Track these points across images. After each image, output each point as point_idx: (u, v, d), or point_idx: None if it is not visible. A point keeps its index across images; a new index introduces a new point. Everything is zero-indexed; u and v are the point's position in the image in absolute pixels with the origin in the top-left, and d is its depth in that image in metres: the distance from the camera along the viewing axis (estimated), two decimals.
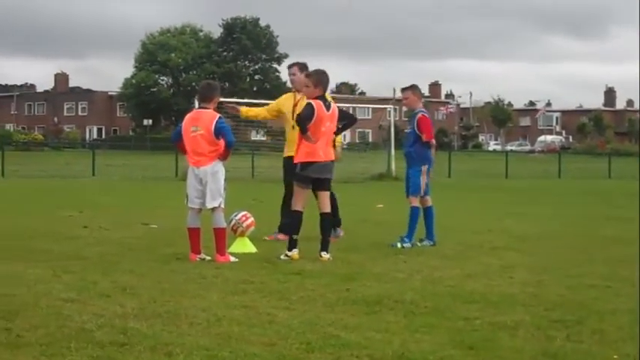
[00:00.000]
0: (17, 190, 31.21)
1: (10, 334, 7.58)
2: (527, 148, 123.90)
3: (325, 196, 13.08)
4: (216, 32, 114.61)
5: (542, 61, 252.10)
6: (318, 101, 12.90)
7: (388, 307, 9.04)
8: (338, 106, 13.54)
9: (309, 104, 13.05)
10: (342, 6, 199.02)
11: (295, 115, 13.81)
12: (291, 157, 14.07)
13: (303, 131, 12.82)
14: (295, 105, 14.84)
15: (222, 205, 12.67)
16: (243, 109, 15.74)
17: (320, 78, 13.20)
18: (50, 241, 14.51)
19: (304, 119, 12.84)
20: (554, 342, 7.60)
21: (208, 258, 12.34)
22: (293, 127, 14.09)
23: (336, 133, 13.50)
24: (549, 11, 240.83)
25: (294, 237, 12.67)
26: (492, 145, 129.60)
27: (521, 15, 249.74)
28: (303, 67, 15.21)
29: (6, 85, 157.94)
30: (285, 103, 15.40)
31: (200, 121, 12.54)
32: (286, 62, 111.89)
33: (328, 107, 12.91)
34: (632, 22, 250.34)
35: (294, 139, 13.71)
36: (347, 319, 8.46)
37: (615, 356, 7.09)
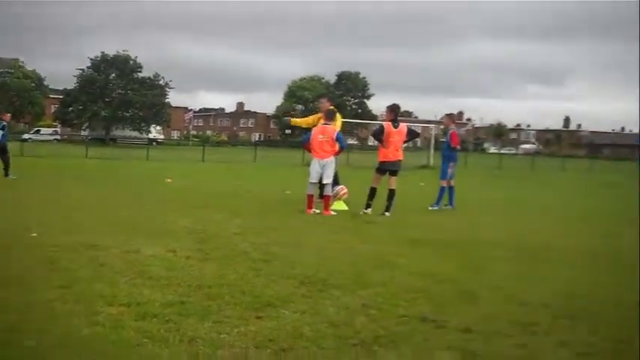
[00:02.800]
0: (212, 169, 31.66)
1: (202, 252, 7.71)
2: (513, 151, 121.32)
3: (393, 179, 12.72)
4: (332, 79, 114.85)
5: (523, 99, 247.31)
6: (388, 122, 12.78)
7: (423, 244, 8.96)
8: (407, 126, 13.17)
9: (380, 125, 13.00)
10: None
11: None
12: None
13: (379, 141, 12.73)
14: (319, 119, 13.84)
15: (330, 181, 12.71)
16: (293, 120, 15.23)
17: (391, 108, 13.06)
18: (229, 199, 14.68)
19: (377, 133, 12.79)
20: (522, 267, 7.43)
21: (318, 211, 12.34)
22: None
23: (405, 142, 13.02)
24: (528, 68, 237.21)
25: (369, 202, 12.58)
26: (492, 149, 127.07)
27: (509, 70, 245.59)
28: (329, 98, 14.82)
29: (208, 108, 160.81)
30: (315, 119, 14.29)
31: (326, 132, 12.61)
32: (374, 98, 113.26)
33: (396, 126, 12.72)
34: (581, 75, 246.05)
35: None
36: (398, 250, 8.41)
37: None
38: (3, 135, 19.42)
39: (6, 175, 18.96)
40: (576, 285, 6.60)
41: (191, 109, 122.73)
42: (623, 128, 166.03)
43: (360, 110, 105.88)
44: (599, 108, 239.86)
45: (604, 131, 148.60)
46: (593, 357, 4.41)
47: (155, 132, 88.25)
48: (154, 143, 70.38)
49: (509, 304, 5.74)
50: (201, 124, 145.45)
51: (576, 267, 7.69)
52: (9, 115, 20.88)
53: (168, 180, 20.56)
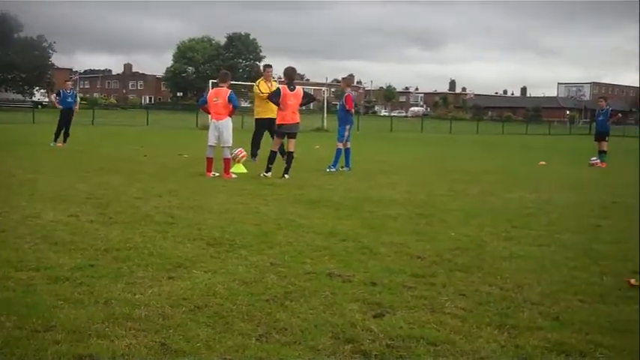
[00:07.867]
0: (102, 133, 30.83)
1: (105, 216, 7.68)
2: (403, 114, 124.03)
3: (292, 142, 12.96)
4: (222, 41, 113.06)
5: (408, 63, 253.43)
6: (284, 85, 12.91)
7: (323, 205, 9.24)
8: (303, 89, 13.34)
9: (277, 88, 13.11)
10: None
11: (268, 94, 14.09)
12: (260, 118, 15.38)
13: (276, 104, 12.86)
14: (269, 88, 15.03)
15: (230, 145, 12.75)
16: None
17: (287, 72, 13.20)
18: (125, 163, 14.50)
19: (274, 96, 12.92)
20: (418, 225, 7.84)
21: (217, 174, 12.42)
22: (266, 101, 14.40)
23: (301, 105, 13.20)
24: (410, 31, 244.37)
25: (270, 165, 12.73)
26: (383, 112, 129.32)
27: (393, 34, 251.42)
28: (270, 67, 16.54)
29: (94, 69, 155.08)
30: (262, 86, 15.50)
31: (220, 95, 12.65)
32: (264, 61, 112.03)
33: (292, 89, 12.84)
34: (459, 38, 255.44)
35: (264, 108, 14.89)
36: (300, 211, 8.64)
37: (452, 233, 7.33)
38: None
39: None
40: (463, 241, 7.04)
41: (76, 71, 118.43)
42: (505, 91, 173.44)
43: (252, 73, 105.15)
44: (479, 72, 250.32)
45: (487, 94, 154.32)
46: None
47: (39, 95, 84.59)
48: (39, 106, 67.35)
49: (407, 258, 6.07)
50: (87, 87, 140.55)
51: (462, 224, 8.16)
52: None
53: (59, 144, 19.96)
